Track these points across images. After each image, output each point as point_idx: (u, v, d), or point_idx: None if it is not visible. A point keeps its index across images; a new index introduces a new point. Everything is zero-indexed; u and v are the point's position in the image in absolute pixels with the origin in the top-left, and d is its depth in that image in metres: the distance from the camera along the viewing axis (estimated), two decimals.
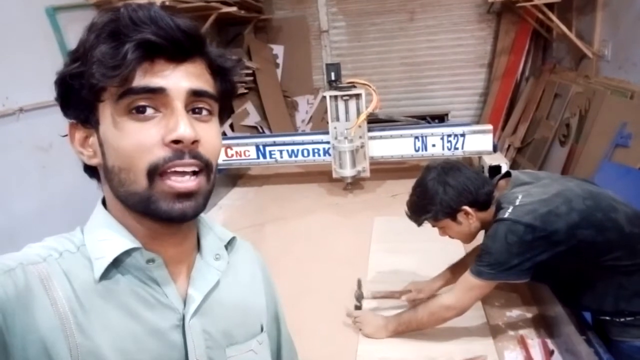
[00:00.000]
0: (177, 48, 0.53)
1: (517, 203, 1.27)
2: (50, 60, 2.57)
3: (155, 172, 0.53)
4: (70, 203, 2.56)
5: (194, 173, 0.55)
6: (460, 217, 1.40)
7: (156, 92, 0.53)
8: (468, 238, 1.48)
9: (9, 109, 2.33)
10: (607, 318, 1.33)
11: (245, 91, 4.73)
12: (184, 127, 0.53)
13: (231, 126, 4.54)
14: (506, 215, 1.26)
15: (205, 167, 0.56)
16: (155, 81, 0.53)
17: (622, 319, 1.30)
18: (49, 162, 2.54)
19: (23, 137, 2.42)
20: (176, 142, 0.53)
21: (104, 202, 0.62)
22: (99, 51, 0.51)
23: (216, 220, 0.68)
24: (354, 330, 1.54)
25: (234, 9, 3.73)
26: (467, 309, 1.36)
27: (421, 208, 1.43)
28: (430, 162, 1.48)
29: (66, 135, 0.60)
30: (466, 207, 1.38)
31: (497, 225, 1.28)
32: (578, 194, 1.27)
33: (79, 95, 0.54)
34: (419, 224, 1.47)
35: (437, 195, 1.37)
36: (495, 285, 1.34)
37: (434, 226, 1.47)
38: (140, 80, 0.52)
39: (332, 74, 2.78)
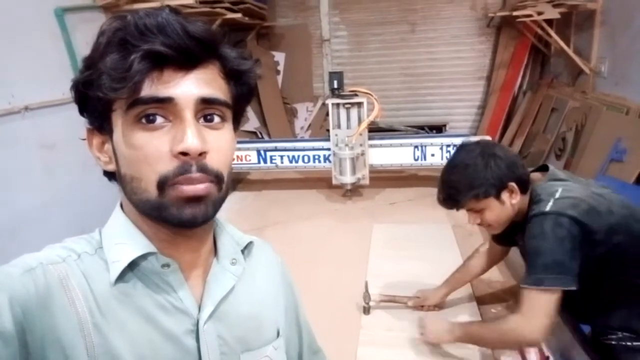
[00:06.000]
0: (185, 56, 0.52)
1: (557, 196, 1.21)
2: (57, 59, 2.61)
3: (165, 183, 0.53)
4: (72, 202, 2.58)
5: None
6: (505, 195, 1.31)
7: (165, 102, 0.52)
8: (500, 223, 1.37)
9: (14, 106, 2.35)
10: (613, 342, 1.28)
11: None
12: (191, 138, 0.52)
13: None
14: (547, 209, 1.19)
15: (215, 179, 0.55)
16: (163, 91, 0.52)
17: (628, 343, 1.27)
18: (52, 160, 2.55)
19: (28, 135, 2.44)
20: (184, 153, 0.52)
21: (122, 206, 0.62)
22: (108, 61, 0.51)
23: None
24: (353, 335, 1.56)
25: (238, 15, 3.78)
26: (545, 332, 1.19)
27: (466, 185, 1.31)
28: (463, 141, 1.42)
29: (85, 139, 0.60)
30: (513, 184, 1.30)
31: (541, 220, 1.19)
32: (617, 198, 1.24)
33: (93, 103, 0.54)
34: (460, 206, 1.36)
35: (487, 168, 1.29)
36: (562, 292, 1.17)
37: (469, 210, 1.37)
38: (149, 89, 0.51)
39: (335, 82, 2.83)
